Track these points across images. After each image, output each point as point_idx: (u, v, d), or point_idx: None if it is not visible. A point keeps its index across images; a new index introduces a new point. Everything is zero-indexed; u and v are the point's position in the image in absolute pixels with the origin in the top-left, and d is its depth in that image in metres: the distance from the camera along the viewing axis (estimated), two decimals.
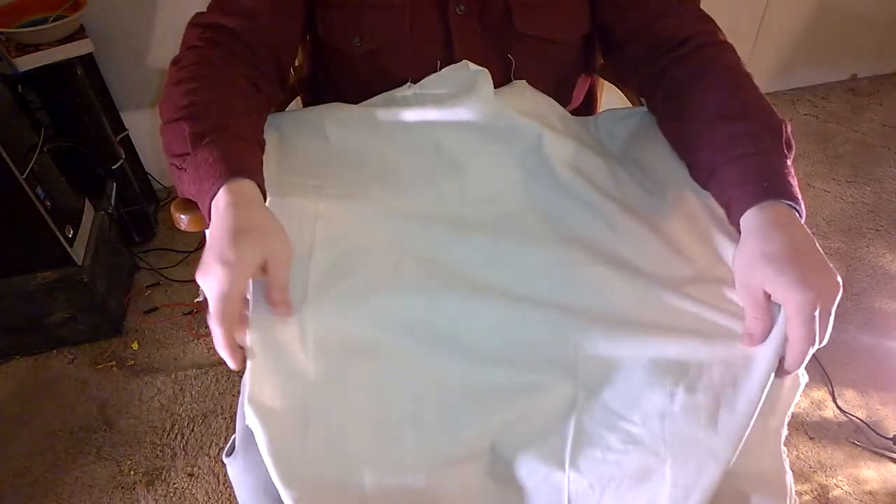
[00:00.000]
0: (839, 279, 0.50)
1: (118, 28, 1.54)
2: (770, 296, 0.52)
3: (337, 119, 0.73)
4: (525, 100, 0.74)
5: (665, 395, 0.53)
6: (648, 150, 0.71)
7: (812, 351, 0.50)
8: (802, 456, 1.17)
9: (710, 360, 0.54)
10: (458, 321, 0.58)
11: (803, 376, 0.54)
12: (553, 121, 0.75)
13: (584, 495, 0.52)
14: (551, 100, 0.77)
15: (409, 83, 0.74)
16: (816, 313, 0.49)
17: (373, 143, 0.71)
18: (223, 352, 0.52)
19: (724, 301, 0.57)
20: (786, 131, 0.59)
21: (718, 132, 0.61)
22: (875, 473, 1.14)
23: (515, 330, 0.58)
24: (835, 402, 1.24)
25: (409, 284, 0.60)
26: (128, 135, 1.65)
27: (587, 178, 0.69)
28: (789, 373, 0.52)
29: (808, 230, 0.54)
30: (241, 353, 0.53)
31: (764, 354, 0.52)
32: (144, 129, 1.69)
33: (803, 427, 1.22)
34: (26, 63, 1.31)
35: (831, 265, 0.51)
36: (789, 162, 0.58)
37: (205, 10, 0.70)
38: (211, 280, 0.52)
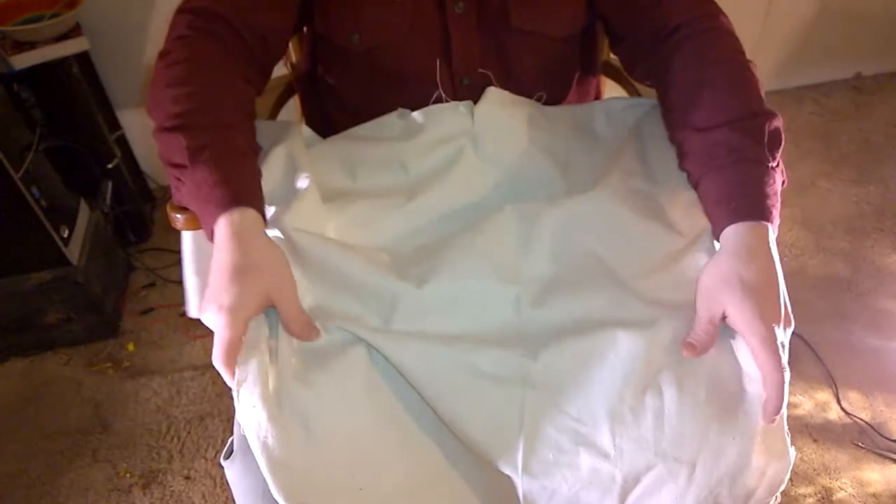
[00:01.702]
0: (791, 316, 0.54)
1: (114, 26, 1.53)
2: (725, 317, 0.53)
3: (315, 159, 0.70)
4: (505, 114, 0.73)
5: (616, 396, 0.53)
6: (650, 145, 0.70)
7: (785, 383, 0.51)
8: (806, 458, 1.16)
9: (658, 363, 0.54)
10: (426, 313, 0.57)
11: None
12: (538, 123, 0.74)
13: (537, 496, 0.52)
14: (529, 101, 0.76)
15: (399, 110, 0.74)
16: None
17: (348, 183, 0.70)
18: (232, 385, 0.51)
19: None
20: (768, 127, 0.59)
21: (699, 142, 0.61)
22: (879, 476, 1.13)
23: (471, 319, 0.58)
24: (839, 404, 1.23)
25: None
26: (123, 134, 1.64)
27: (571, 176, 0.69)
28: (775, 414, 0.52)
29: (775, 256, 0.56)
30: None
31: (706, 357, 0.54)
32: (140, 128, 1.68)
33: (807, 429, 1.20)
34: (21, 61, 1.30)
35: (786, 301, 0.54)
36: (773, 164, 0.58)
37: None
38: (212, 324, 0.51)
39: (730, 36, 0.66)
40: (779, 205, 0.57)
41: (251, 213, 0.55)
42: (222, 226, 0.53)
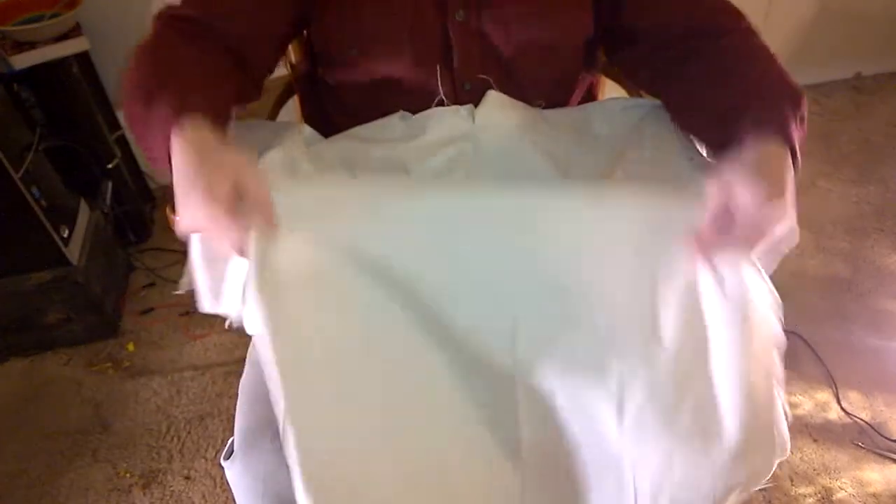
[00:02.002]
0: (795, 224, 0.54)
1: (114, 26, 1.53)
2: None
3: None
4: (505, 116, 0.73)
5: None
6: (650, 145, 0.70)
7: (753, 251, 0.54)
8: (806, 458, 1.16)
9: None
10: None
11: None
12: (538, 126, 0.74)
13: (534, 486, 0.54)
14: (526, 106, 0.76)
15: (400, 112, 0.74)
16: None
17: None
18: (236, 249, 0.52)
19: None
20: (802, 105, 0.60)
21: (739, 105, 0.61)
22: (879, 476, 1.13)
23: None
24: (839, 404, 1.23)
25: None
26: (123, 134, 1.63)
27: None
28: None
29: (791, 172, 0.56)
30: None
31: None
32: None
33: (807, 429, 1.20)
34: (21, 61, 1.30)
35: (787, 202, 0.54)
36: (797, 124, 0.59)
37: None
38: (191, 210, 0.50)
39: (755, 37, 0.67)
40: (799, 151, 0.58)
41: (202, 122, 0.54)
42: (175, 142, 0.53)
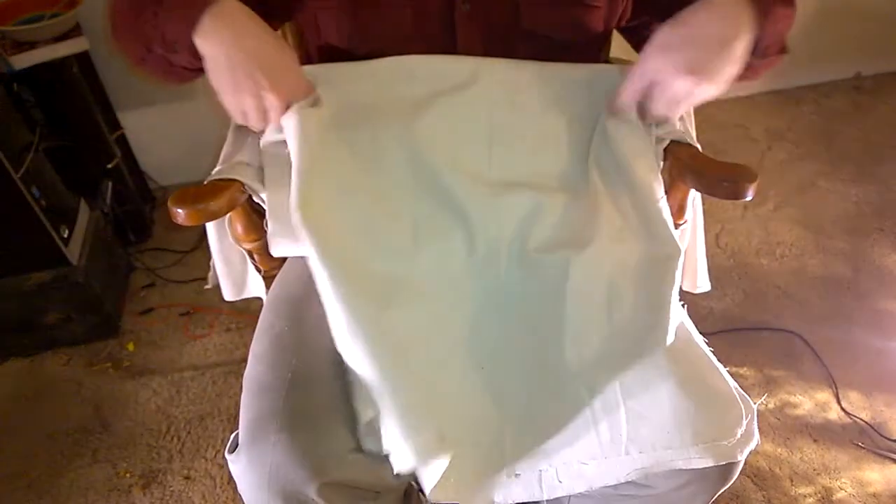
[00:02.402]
0: (728, 72, 0.57)
1: None
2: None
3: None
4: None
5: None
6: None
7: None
8: (806, 458, 1.16)
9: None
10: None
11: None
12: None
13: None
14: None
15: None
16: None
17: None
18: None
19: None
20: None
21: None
22: (879, 476, 1.13)
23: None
24: (839, 404, 1.23)
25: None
26: (123, 134, 1.64)
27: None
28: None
29: (743, 34, 0.57)
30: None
31: None
32: (140, 127, 1.68)
33: (807, 429, 1.20)
34: (21, 61, 1.30)
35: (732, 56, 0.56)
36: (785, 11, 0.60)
37: None
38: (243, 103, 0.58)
39: None
40: (775, 15, 0.58)
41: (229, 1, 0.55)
42: (207, 22, 0.54)
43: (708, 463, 0.56)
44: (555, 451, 0.58)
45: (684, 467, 0.56)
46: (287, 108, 0.62)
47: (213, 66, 0.57)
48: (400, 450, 0.54)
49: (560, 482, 0.58)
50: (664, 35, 0.59)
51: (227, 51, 0.56)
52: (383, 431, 0.55)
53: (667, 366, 0.58)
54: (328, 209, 0.62)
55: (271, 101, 0.60)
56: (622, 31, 0.81)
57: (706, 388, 0.58)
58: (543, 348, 0.62)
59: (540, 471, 0.58)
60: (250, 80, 0.58)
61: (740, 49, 0.58)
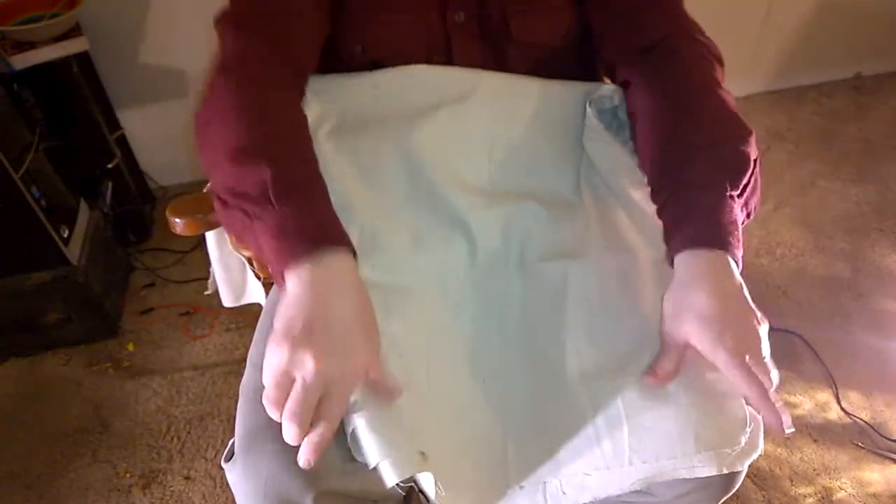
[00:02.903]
0: (761, 330, 0.52)
1: (114, 26, 1.53)
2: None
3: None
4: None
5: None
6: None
7: (770, 388, 0.51)
8: (806, 458, 1.16)
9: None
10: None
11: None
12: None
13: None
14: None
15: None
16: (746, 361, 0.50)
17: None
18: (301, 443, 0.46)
19: None
20: (733, 153, 0.57)
21: (664, 160, 0.60)
22: (879, 476, 1.13)
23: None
24: (839, 404, 1.23)
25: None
26: (123, 134, 1.64)
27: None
28: (777, 423, 0.51)
29: (737, 278, 0.54)
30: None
31: None
32: (140, 127, 1.68)
33: (807, 429, 1.20)
34: (21, 61, 1.30)
35: (755, 316, 0.53)
36: (734, 193, 0.56)
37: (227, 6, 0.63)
38: (277, 362, 0.46)
39: (702, 58, 0.65)
40: (739, 234, 0.56)
41: (343, 254, 0.50)
42: (308, 269, 0.48)
43: (711, 472, 0.55)
44: (558, 464, 0.58)
45: (688, 476, 0.56)
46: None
47: (293, 302, 0.48)
48: (380, 465, 0.53)
49: (564, 493, 0.57)
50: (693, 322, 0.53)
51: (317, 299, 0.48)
52: (363, 444, 0.52)
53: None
54: None
55: (325, 373, 0.46)
56: (597, 55, 0.80)
57: (711, 395, 0.58)
58: (544, 360, 0.62)
59: (544, 483, 0.58)
60: (325, 339, 0.47)
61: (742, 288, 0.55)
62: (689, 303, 0.53)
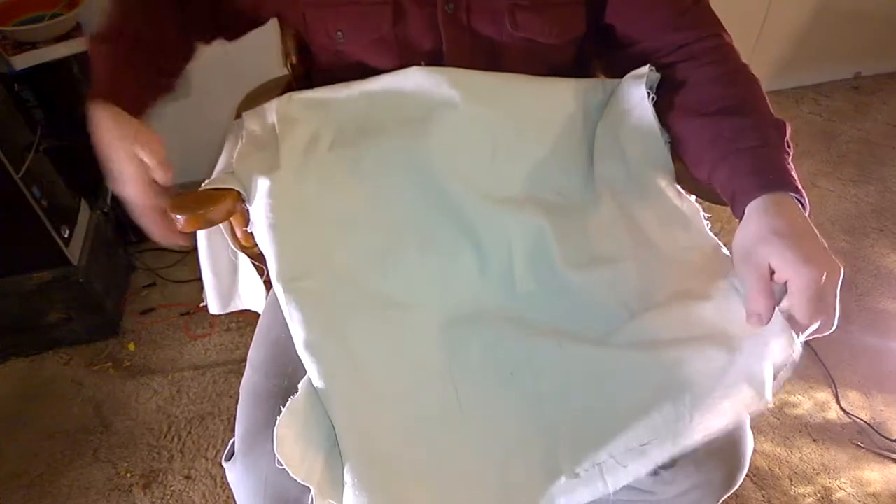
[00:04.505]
0: (837, 263, 0.52)
1: None
2: (772, 274, 0.53)
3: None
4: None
5: None
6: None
7: (831, 328, 0.51)
8: (805, 458, 1.16)
9: None
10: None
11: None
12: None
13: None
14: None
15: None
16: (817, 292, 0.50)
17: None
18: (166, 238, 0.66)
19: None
20: (787, 131, 0.61)
21: (724, 126, 0.61)
22: (879, 475, 1.13)
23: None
24: (838, 404, 1.23)
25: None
26: None
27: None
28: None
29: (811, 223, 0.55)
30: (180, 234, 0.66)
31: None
32: None
33: (806, 429, 1.20)
34: (22, 61, 1.30)
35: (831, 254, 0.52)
36: (790, 160, 0.59)
37: None
38: (118, 188, 0.64)
39: (737, 55, 0.68)
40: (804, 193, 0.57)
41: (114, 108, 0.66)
42: (97, 109, 0.64)
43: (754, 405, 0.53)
44: (613, 439, 0.56)
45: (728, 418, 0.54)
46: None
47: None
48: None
49: (625, 467, 0.55)
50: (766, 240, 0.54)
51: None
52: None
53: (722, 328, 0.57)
54: (328, 244, 0.64)
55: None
56: (608, 56, 0.81)
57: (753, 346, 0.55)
58: (578, 344, 0.61)
59: (600, 464, 0.55)
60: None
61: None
62: (770, 226, 0.53)
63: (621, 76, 0.76)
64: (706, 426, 0.53)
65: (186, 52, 0.76)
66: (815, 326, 0.51)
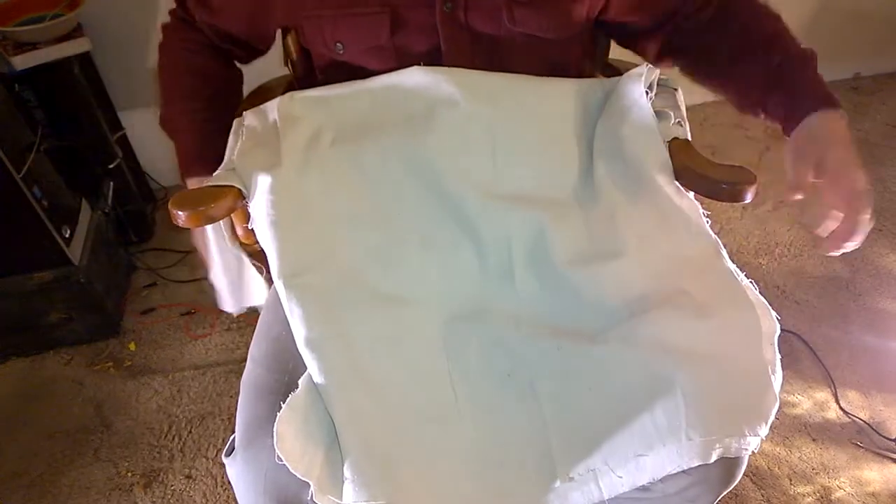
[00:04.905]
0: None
1: (115, 26, 1.53)
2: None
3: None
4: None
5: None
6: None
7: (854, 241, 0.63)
8: (805, 457, 1.16)
9: None
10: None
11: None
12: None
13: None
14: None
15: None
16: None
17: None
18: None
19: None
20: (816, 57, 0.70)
21: (770, 58, 0.71)
22: (878, 475, 1.13)
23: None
24: (837, 404, 1.24)
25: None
26: (125, 134, 1.64)
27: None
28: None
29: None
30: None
31: None
32: (142, 128, 1.68)
33: (806, 429, 1.21)
34: (23, 62, 1.30)
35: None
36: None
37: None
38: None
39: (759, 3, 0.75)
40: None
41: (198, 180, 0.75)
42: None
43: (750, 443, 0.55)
44: (609, 447, 0.56)
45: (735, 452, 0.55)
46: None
47: None
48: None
49: (620, 477, 0.56)
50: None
51: None
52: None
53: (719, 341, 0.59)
54: (329, 242, 0.65)
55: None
56: (606, 25, 0.80)
57: (745, 371, 0.58)
58: (577, 345, 0.61)
59: (595, 471, 0.56)
60: None
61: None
62: (819, 129, 0.64)
63: (637, 50, 0.77)
64: (700, 438, 0.54)
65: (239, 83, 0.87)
66: (853, 226, 0.63)
